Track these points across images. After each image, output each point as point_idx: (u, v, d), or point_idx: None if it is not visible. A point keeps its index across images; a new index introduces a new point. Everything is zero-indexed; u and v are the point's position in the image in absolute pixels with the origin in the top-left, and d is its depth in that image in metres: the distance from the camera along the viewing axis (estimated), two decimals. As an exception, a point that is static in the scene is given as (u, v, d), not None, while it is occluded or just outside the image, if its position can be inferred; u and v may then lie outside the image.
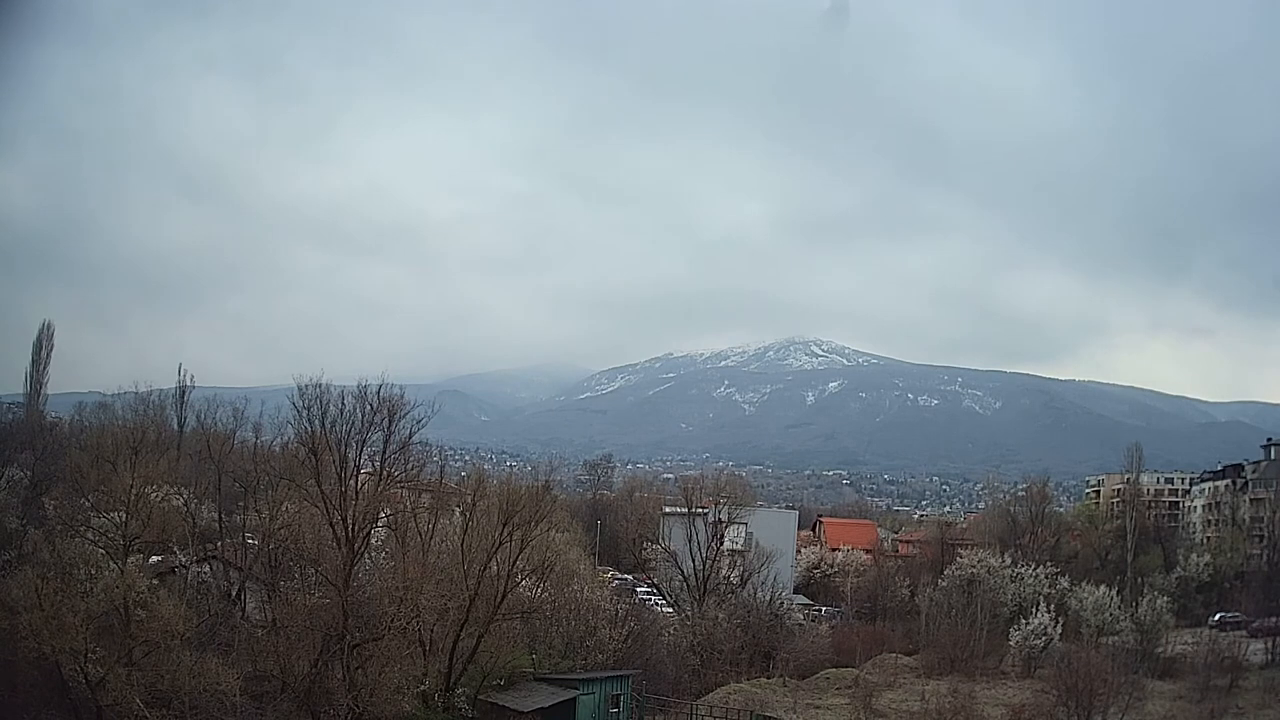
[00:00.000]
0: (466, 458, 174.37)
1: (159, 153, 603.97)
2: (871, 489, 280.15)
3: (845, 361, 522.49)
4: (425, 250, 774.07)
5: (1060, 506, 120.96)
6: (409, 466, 45.91)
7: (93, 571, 35.25)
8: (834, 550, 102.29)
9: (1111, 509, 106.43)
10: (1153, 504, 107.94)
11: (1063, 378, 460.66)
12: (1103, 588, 68.23)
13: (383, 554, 46.12)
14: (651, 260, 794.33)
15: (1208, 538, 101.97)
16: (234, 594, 42.24)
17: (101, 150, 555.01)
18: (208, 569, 43.68)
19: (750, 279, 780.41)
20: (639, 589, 77.12)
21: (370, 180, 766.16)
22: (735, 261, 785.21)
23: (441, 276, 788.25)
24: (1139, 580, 76.32)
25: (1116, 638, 61.28)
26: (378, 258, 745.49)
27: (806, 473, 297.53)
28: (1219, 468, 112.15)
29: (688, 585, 69.88)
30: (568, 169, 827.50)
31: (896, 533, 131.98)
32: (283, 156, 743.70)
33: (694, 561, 70.11)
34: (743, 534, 76.11)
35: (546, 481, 75.12)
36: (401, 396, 43.00)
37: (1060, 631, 61.61)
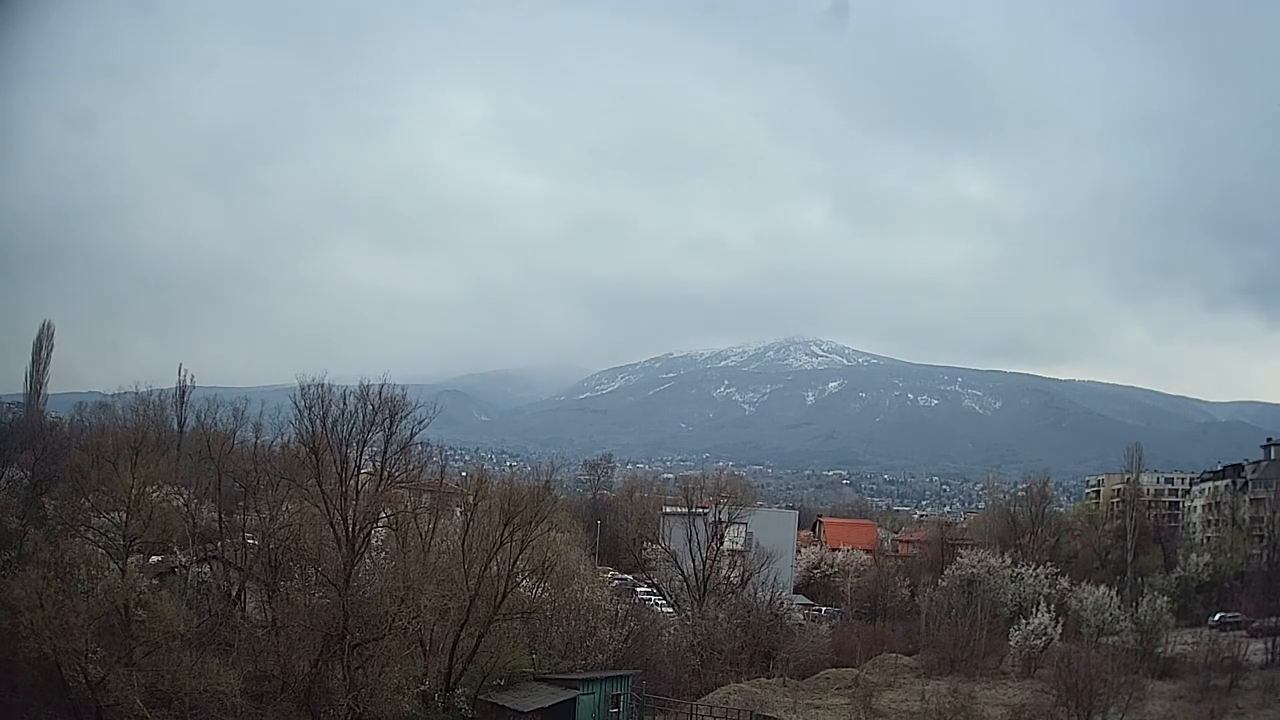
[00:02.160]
0: (467, 458, 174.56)
1: (169, 133, 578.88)
2: (871, 489, 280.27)
3: (845, 361, 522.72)
4: (435, 241, 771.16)
5: (1060, 506, 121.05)
6: (410, 467, 45.89)
7: (93, 571, 35.24)
8: (834, 550, 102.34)
9: (1111, 509, 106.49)
10: (1153, 504, 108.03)
11: (1063, 378, 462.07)
12: (1103, 588, 68.21)
13: (383, 554, 46.06)
14: (677, 251, 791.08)
15: (1208, 538, 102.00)
16: (234, 594, 42.20)
17: (105, 131, 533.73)
18: (208, 569, 43.69)
19: (762, 268, 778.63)
20: (639, 589, 77.04)
21: (392, 165, 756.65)
22: (751, 249, 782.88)
23: (449, 271, 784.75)
24: (1139, 580, 76.48)
25: (1116, 638, 61.26)
26: (388, 251, 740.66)
27: (806, 473, 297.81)
28: (1219, 468, 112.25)
29: (688, 585, 69.85)
30: (603, 155, 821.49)
31: (896, 533, 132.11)
32: (296, 137, 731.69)
33: (694, 561, 70.08)
34: (743, 534, 76.08)
35: (546, 481, 74.95)
36: (403, 397, 43.08)
37: (1060, 631, 61.61)
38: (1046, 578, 72.99)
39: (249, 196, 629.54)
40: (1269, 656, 59.65)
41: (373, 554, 44.94)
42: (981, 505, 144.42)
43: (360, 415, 40.87)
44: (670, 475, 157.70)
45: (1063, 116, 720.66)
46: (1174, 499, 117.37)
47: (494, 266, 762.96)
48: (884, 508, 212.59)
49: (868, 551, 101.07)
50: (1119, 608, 65.72)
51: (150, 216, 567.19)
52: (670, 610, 68.68)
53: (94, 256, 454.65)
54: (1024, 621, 62.52)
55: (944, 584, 73.93)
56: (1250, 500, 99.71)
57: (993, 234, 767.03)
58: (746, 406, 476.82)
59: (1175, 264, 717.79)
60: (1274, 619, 63.71)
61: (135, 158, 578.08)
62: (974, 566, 74.66)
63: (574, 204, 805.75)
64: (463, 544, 43.85)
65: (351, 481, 40.29)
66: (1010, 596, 71.41)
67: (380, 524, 44.80)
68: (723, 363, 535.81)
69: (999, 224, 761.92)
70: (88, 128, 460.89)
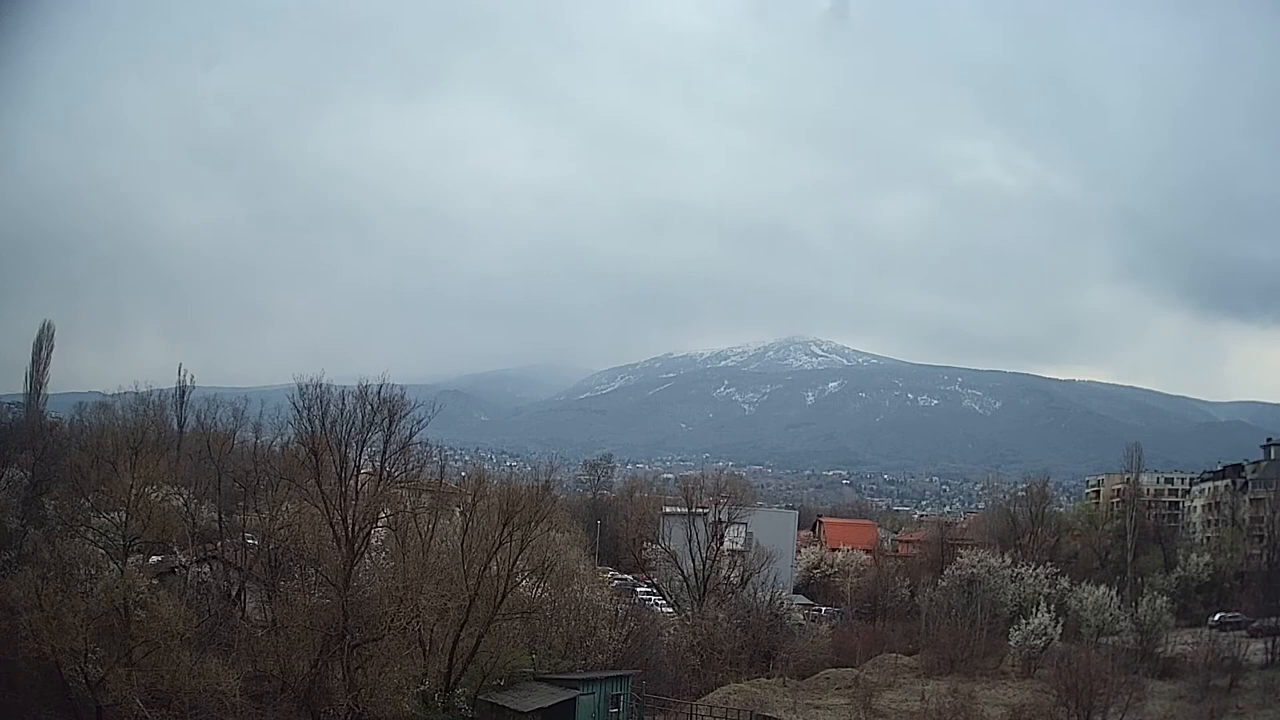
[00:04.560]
0: (466, 458, 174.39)
1: (178, 111, 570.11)
2: (871, 489, 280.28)
3: (845, 361, 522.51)
4: (441, 238, 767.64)
5: (1060, 506, 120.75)
6: (409, 466, 46.05)
7: (93, 571, 35.31)
8: (834, 550, 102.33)
9: (1111, 509, 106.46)
10: (1153, 504, 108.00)
11: (1063, 378, 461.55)
12: (1103, 588, 68.24)
13: (383, 554, 46.08)
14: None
15: (1208, 538, 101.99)
16: (234, 594, 42.23)
17: (108, 117, 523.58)
18: (208, 569, 43.67)
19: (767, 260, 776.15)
20: (639, 589, 77.11)
21: (400, 155, 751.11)
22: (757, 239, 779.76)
23: (450, 270, 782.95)
24: (1139, 580, 76.37)
25: (1116, 638, 61.34)
26: (389, 249, 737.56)
27: (806, 473, 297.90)
28: (1219, 468, 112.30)
29: (688, 585, 69.88)
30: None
31: (896, 533, 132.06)
32: (296, 122, 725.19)
33: (694, 561, 70.11)
34: (742, 534, 76.13)
35: (546, 481, 74.66)
36: (402, 397, 43.17)
37: (1060, 631, 61.65)
38: (1046, 578, 72.92)
39: (256, 183, 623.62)
40: (1269, 656, 59.65)
41: (372, 554, 44.96)
42: (981, 505, 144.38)
43: (359, 415, 41.09)
44: (670, 475, 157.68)
45: (1089, 100, 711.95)
46: (1174, 499, 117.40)
47: (498, 264, 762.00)
48: (884, 508, 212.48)
49: (868, 551, 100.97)
50: (1119, 608, 65.77)
51: (152, 205, 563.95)
52: (670, 610, 68.72)
53: (95, 248, 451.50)
54: (1024, 621, 62.51)
55: (944, 584, 73.93)
56: (1250, 500, 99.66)
57: (1031, 226, 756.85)
58: (746, 406, 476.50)
59: (1176, 263, 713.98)
60: (1274, 619, 63.67)
61: (139, 138, 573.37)
62: (974, 566, 74.61)
63: (608, 186, 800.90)
64: (462, 544, 43.79)
65: (351, 481, 40.40)
66: (1010, 596, 71.36)
67: (380, 524, 44.80)
68: (723, 363, 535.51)
69: (1036, 213, 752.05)
70: (90, 103, 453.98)
